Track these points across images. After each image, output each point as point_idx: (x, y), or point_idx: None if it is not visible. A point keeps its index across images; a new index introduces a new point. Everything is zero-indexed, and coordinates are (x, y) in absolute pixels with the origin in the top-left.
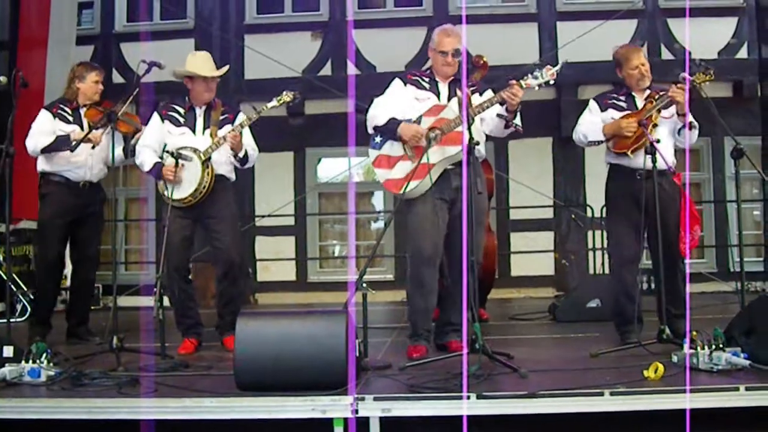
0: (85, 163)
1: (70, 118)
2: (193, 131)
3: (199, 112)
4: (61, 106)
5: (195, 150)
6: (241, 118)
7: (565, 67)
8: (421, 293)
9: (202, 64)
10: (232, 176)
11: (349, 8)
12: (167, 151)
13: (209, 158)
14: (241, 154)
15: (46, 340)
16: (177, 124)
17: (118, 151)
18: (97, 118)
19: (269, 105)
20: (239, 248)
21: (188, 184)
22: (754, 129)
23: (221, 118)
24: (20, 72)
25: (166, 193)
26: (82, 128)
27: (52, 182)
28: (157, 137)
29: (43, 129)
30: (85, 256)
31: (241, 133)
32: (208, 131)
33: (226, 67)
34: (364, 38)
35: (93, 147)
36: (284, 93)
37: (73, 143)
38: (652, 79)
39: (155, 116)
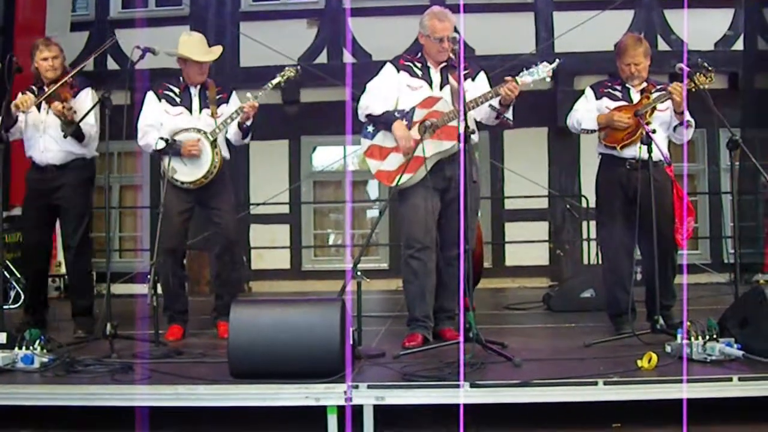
0: (39, 144)
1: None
2: (190, 111)
3: (194, 92)
4: (31, 86)
5: (200, 131)
6: (234, 97)
7: (562, 57)
8: (415, 280)
9: (195, 47)
10: (227, 155)
11: None
12: (162, 138)
13: (216, 139)
14: (249, 122)
15: (46, 326)
16: (173, 103)
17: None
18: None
19: (274, 82)
20: (237, 227)
21: (200, 165)
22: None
23: (217, 97)
24: (14, 57)
25: (176, 176)
26: (39, 108)
27: (30, 166)
28: (157, 116)
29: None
30: (66, 245)
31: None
32: (206, 111)
33: (220, 50)
34: (361, 26)
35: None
36: (286, 68)
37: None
38: (650, 71)
39: (151, 95)
